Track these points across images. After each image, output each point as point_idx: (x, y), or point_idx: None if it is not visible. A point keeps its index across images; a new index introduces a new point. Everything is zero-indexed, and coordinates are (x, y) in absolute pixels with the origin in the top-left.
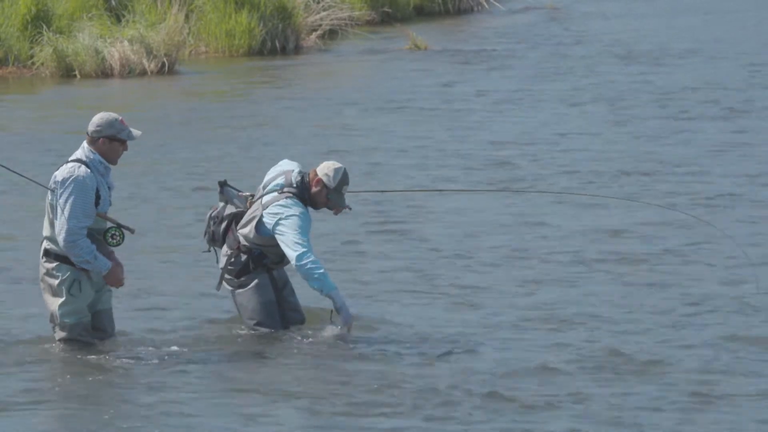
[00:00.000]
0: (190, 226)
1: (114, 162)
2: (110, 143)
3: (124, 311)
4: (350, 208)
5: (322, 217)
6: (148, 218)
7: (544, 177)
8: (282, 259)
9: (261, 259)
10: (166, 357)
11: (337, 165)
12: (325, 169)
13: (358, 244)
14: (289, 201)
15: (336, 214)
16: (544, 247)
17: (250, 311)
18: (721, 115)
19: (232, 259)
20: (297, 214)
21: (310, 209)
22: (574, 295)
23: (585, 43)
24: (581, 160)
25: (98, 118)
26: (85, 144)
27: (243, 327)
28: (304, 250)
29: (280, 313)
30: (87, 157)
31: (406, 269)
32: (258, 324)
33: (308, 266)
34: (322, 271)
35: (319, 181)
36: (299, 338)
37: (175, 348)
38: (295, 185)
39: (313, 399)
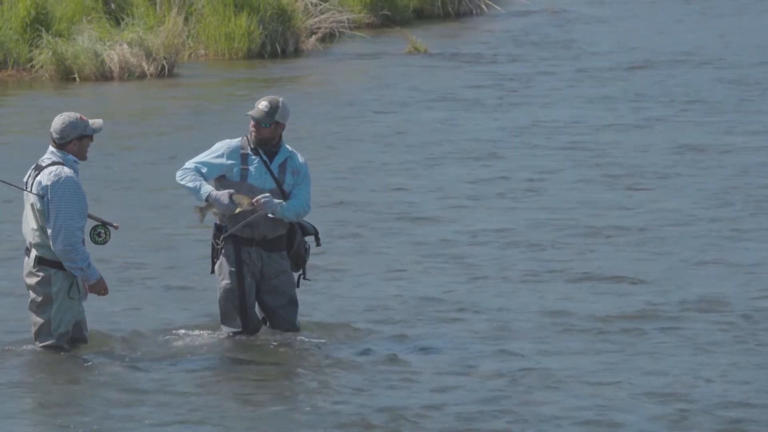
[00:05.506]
0: (188, 228)
1: (85, 158)
2: (80, 142)
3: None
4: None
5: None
6: (147, 219)
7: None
8: (237, 218)
9: (219, 232)
10: (147, 363)
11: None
12: None
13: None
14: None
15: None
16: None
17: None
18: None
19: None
20: (220, 143)
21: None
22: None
23: (585, 45)
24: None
25: (60, 124)
26: (53, 149)
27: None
28: (185, 165)
29: (258, 298)
30: (62, 159)
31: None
32: (221, 312)
33: (178, 173)
34: (190, 178)
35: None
36: (267, 342)
37: (157, 353)
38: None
39: (302, 410)
